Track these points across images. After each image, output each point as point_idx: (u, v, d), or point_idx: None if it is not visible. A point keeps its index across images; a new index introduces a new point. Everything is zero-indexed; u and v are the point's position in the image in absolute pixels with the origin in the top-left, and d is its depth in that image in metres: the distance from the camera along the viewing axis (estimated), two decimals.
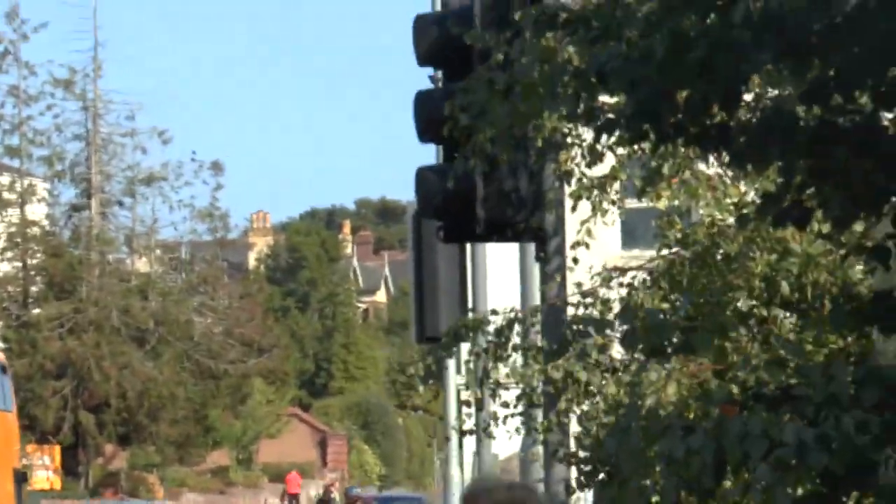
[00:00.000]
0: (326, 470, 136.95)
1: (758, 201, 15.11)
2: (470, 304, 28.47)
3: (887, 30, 11.10)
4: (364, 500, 69.27)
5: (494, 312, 22.64)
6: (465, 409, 26.69)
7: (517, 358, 22.27)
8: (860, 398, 10.81)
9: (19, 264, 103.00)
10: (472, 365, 30.00)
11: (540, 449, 22.39)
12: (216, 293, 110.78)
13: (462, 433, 30.96)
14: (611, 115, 12.80)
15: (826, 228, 14.62)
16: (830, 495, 11.35)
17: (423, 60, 21.60)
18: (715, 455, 11.40)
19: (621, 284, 21.28)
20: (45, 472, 73.96)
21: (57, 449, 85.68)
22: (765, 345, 17.65)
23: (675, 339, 18.80)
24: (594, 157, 19.50)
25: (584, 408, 19.49)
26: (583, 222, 21.64)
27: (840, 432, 10.54)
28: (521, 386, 22.44)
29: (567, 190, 21.50)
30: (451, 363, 36.67)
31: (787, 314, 18.10)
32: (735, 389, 13.27)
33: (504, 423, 22.73)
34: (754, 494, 12.28)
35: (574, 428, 19.48)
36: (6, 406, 61.38)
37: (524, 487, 8.57)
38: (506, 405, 22.40)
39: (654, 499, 15.00)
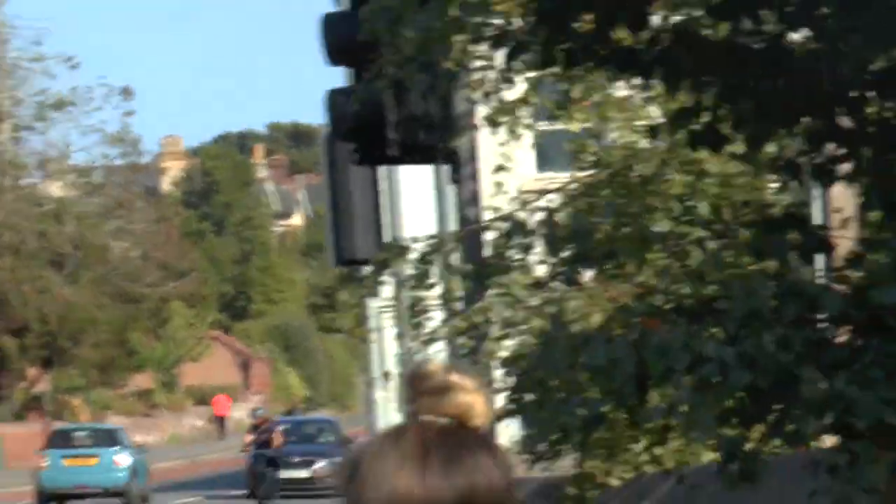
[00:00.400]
0: (250, 392, 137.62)
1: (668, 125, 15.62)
2: (386, 228, 27.16)
3: None
4: (270, 422, 67.68)
5: (415, 240, 22.52)
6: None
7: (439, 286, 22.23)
8: (781, 313, 10.97)
9: None
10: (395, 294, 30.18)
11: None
12: (132, 217, 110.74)
13: (386, 375, 31.80)
14: (520, 39, 13.18)
15: (741, 149, 14.84)
16: (753, 410, 11.35)
17: None
18: (637, 367, 11.57)
19: (537, 209, 21.17)
20: None
21: None
22: (685, 263, 17.77)
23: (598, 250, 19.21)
24: (505, 80, 19.15)
25: (508, 346, 19.52)
26: (501, 144, 21.91)
27: (761, 351, 10.55)
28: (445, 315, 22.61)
29: (479, 114, 21.69)
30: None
31: (706, 233, 18.07)
32: (656, 304, 13.53)
33: (425, 345, 22.46)
34: (676, 416, 12.45)
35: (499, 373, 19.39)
36: None
37: (463, 368, 8.48)
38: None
39: (581, 411, 14.95)
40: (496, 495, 2.93)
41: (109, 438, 73.11)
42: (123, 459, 68.60)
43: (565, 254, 20.00)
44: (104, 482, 70.47)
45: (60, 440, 73.78)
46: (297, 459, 64.11)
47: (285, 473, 62.47)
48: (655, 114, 18.48)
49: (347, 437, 71.70)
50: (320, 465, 65.23)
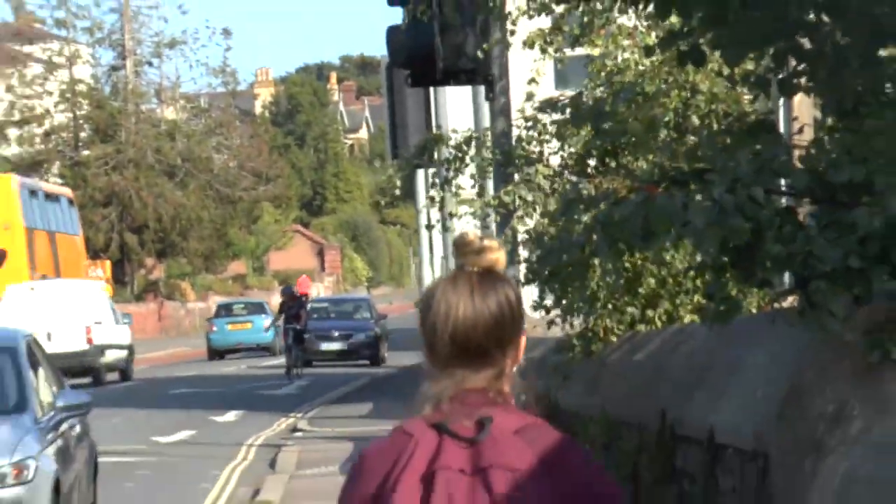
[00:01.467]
0: (325, 274, 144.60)
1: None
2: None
3: None
4: (299, 299, 62.12)
5: (455, 131, 23.01)
6: (430, 208, 27.60)
7: (473, 170, 22.85)
8: (759, 182, 10.66)
9: (70, 115, 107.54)
10: (436, 176, 29.47)
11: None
12: (230, 134, 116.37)
13: (428, 227, 31.95)
14: None
15: (719, 66, 16.46)
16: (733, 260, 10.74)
17: None
18: (643, 223, 11.24)
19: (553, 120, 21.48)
20: (100, 282, 77.04)
21: (108, 263, 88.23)
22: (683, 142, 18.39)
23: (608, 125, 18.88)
24: (542, 9, 19.85)
25: (531, 222, 20.35)
26: (535, 61, 22.02)
27: (741, 208, 10.15)
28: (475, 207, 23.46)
29: (511, 40, 21.94)
30: (421, 183, 37.15)
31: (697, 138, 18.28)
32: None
33: (460, 218, 23.45)
34: (687, 245, 13.07)
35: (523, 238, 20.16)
36: (75, 231, 71.09)
37: (494, 240, 8.96)
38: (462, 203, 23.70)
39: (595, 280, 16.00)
40: (514, 310, 3.72)
41: (258, 309, 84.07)
42: (268, 324, 73.42)
43: (576, 147, 20.29)
44: (256, 340, 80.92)
45: (224, 311, 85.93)
46: (336, 334, 66.21)
47: (325, 345, 64.69)
48: (653, 39, 18.32)
49: (381, 314, 72.68)
50: (356, 337, 65.53)
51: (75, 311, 53.05)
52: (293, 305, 56.94)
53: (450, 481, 3.69)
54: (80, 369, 51.17)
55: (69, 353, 48.87)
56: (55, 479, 14.55)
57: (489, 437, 3.72)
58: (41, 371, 16.29)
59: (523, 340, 4.24)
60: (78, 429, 17.04)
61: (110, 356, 57.97)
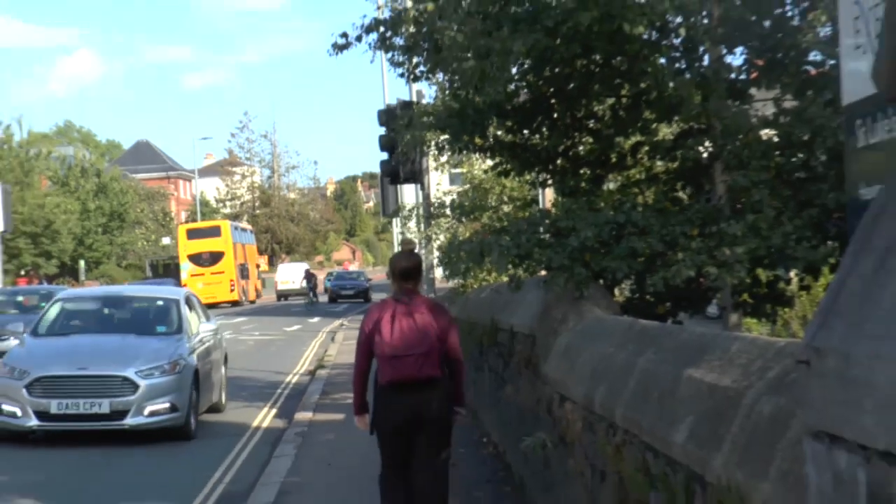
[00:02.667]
0: (355, 261, 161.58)
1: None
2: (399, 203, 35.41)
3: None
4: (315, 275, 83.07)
5: (405, 205, 34.58)
6: (400, 234, 35.44)
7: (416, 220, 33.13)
8: (530, 229, 11.80)
9: (251, 196, 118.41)
10: (401, 221, 38.25)
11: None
12: (316, 206, 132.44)
13: (399, 242, 39.65)
14: (442, 145, 15.54)
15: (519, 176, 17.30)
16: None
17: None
18: (480, 249, 12.09)
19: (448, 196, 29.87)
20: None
21: (265, 258, 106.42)
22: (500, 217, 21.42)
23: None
24: (439, 150, 19.37)
25: (437, 242, 27.19)
26: (441, 174, 32.12)
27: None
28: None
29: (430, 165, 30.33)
30: (395, 223, 52.04)
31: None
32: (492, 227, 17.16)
33: (410, 235, 33.42)
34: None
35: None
36: (252, 242, 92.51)
37: (415, 243, 13.25)
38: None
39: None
40: (420, 264, 10.42)
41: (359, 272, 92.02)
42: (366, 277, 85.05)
43: (457, 213, 23.12)
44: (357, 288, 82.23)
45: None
46: (348, 286, 79.03)
47: (343, 291, 78.19)
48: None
49: (369, 278, 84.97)
50: (357, 287, 79.53)
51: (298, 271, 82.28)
52: (311, 277, 73.21)
53: (399, 313, 9.57)
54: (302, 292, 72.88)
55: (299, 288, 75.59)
56: (195, 369, 17.54)
57: (413, 302, 9.64)
58: (194, 312, 19.68)
59: (422, 277, 10.97)
60: (212, 341, 20.10)
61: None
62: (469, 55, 11.21)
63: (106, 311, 20.23)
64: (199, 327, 19.12)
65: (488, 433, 15.85)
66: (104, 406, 16.03)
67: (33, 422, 16.03)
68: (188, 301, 19.82)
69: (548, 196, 21.35)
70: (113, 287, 44.77)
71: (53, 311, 19.22)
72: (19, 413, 16.08)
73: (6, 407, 16.21)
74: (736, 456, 4.64)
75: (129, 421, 16.14)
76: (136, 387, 16.18)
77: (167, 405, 16.45)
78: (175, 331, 18.33)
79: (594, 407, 7.51)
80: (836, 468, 2.79)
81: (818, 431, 2.96)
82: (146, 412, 16.24)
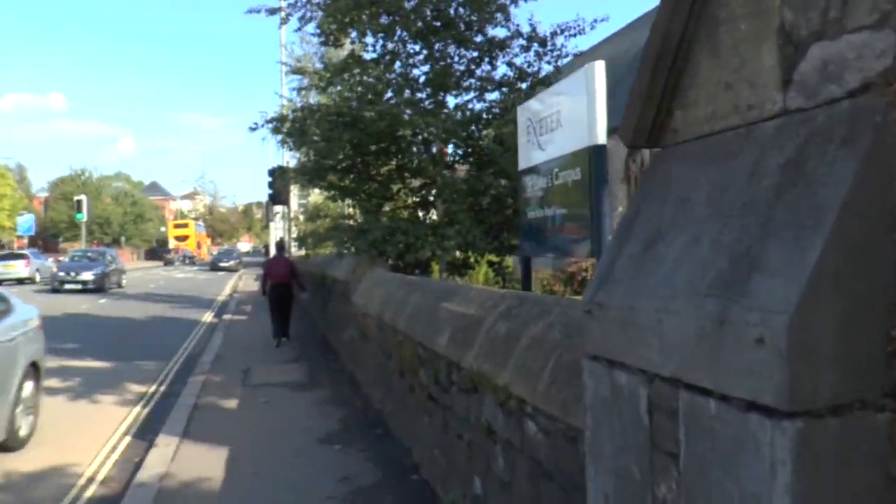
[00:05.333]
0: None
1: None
2: (282, 212, 33.32)
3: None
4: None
5: (279, 213, 32.00)
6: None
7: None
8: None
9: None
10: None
11: None
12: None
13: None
14: (300, 180, 13.94)
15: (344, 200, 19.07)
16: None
17: None
18: (322, 238, 13.47)
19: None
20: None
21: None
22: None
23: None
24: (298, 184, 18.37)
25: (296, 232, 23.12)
26: (299, 201, 30.13)
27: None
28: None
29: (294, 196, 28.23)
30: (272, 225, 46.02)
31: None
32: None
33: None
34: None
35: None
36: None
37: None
38: None
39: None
40: (285, 246, 15.41)
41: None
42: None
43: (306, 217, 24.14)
44: None
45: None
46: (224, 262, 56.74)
47: (221, 263, 57.48)
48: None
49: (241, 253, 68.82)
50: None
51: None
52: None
53: (277, 262, 14.38)
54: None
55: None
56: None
57: (281, 259, 14.18)
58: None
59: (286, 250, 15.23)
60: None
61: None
62: (322, 140, 11.62)
63: None
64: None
65: (321, 328, 15.77)
66: None
67: None
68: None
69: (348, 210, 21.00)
70: None
71: None
72: None
73: None
74: (483, 354, 4.42)
75: None
76: None
77: None
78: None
79: (385, 320, 7.61)
80: (617, 383, 2.40)
81: (596, 356, 2.51)
82: None
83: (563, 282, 22.53)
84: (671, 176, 2.59)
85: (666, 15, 2.61)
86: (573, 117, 6.18)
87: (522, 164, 7.20)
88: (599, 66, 5.90)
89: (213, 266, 56.66)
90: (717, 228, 2.17)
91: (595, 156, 5.90)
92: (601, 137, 5.89)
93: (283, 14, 12.25)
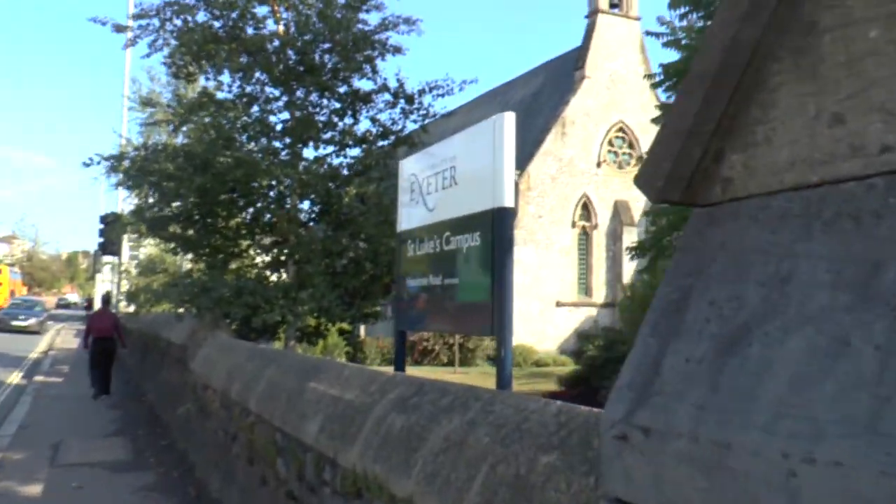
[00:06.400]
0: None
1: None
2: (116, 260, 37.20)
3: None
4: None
5: (110, 263, 31.17)
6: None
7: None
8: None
9: None
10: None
11: None
12: None
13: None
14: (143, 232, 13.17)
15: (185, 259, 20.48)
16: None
17: None
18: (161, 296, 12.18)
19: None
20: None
21: None
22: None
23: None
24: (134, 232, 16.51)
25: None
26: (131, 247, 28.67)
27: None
28: None
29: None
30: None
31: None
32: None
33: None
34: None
35: None
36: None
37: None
38: None
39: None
40: (111, 300, 14.86)
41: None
42: None
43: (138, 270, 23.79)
44: None
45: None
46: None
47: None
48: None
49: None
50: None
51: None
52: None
53: (101, 315, 14.55)
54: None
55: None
56: None
57: (106, 312, 14.36)
58: None
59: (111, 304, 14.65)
60: None
61: None
62: (169, 181, 10.71)
63: None
64: None
65: (146, 393, 14.91)
66: None
67: None
68: None
69: (187, 265, 20.06)
70: None
71: None
72: None
73: None
74: (372, 453, 3.71)
75: None
76: None
77: None
78: None
79: (231, 396, 6.98)
80: None
81: (617, 499, 1.77)
82: None
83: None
84: (743, 244, 1.83)
85: (732, 20, 1.86)
86: (473, 174, 5.45)
87: (403, 225, 6.46)
88: (509, 118, 5.21)
89: (2, 325, 37.15)
90: (870, 324, 1.46)
91: (500, 219, 5.16)
92: (508, 199, 5.12)
93: (130, 34, 11.17)
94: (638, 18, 31.37)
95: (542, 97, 32.20)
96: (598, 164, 30.09)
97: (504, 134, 5.13)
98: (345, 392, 4.53)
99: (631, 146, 30.66)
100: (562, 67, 32.08)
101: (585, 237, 30.05)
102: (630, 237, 29.16)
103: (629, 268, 29.09)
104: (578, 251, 29.80)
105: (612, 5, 31.03)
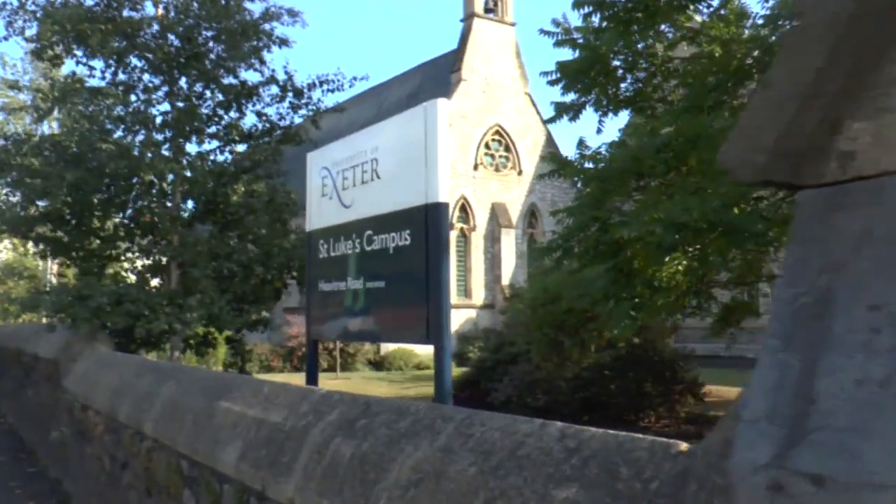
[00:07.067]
0: None
1: None
2: None
3: None
4: None
5: None
6: None
7: None
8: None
9: None
10: None
11: None
12: None
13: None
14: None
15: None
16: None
17: None
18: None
19: None
20: None
21: None
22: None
23: None
24: None
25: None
26: None
27: None
28: None
29: None
30: None
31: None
32: None
33: None
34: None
35: None
36: None
37: None
38: None
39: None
40: None
41: None
42: None
43: None
44: None
45: None
46: None
47: None
48: None
49: None
50: None
51: None
52: None
53: None
54: None
55: None
56: None
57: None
58: None
59: None
60: None
61: None
62: (36, 178, 9.98)
63: None
64: None
65: (5, 415, 13.72)
66: None
67: None
68: None
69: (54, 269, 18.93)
70: None
71: None
72: None
73: None
74: (317, 486, 3.14)
75: None
76: None
77: None
78: None
79: (119, 418, 6.34)
80: None
81: None
82: None
83: (282, 357, 21.44)
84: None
85: None
86: (400, 167, 4.98)
87: (314, 224, 5.95)
88: (442, 105, 4.77)
89: None
90: None
91: (434, 216, 4.71)
92: (442, 193, 4.67)
93: None
94: (513, 24, 31.59)
95: (418, 98, 31.68)
96: (476, 167, 30.01)
97: (437, 122, 4.72)
98: (269, 413, 4.03)
99: (507, 149, 30.75)
100: (438, 69, 31.85)
101: (464, 239, 29.87)
102: (508, 239, 29.35)
103: (508, 270, 29.25)
104: (457, 253, 29.53)
105: (488, 10, 31.11)
